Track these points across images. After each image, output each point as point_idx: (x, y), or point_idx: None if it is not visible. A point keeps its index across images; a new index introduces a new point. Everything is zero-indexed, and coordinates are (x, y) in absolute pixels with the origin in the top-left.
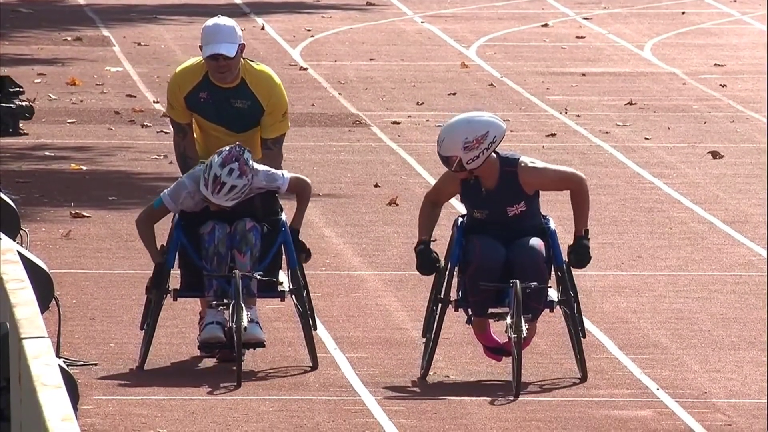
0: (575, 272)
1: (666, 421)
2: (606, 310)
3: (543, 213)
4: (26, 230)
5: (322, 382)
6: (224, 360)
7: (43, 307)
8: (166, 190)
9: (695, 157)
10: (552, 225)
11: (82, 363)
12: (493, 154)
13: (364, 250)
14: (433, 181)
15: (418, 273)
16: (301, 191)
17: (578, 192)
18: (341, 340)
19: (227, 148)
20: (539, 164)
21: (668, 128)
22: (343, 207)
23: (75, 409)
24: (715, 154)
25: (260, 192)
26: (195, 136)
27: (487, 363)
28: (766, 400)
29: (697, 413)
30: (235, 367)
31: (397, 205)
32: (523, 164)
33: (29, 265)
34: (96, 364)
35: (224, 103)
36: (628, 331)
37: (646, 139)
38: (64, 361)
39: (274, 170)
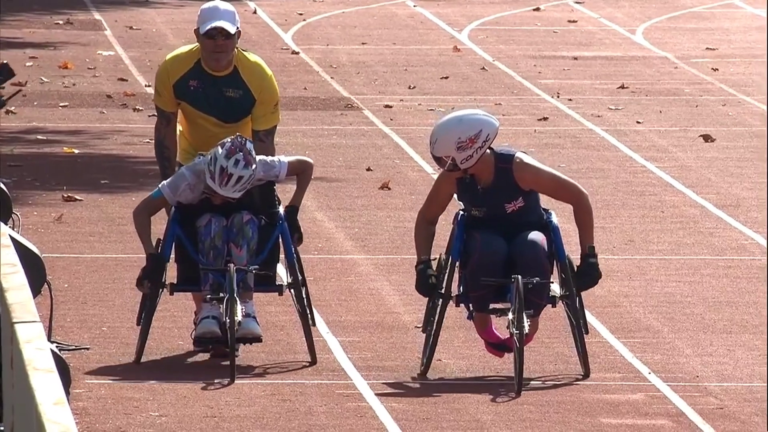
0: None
1: (657, 405)
2: (597, 294)
3: (544, 207)
4: (18, 214)
5: (314, 366)
6: (218, 355)
7: (35, 291)
8: (165, 181)
9: (687, 141)
10: (554, 219)
11: (74, 347)
12: (487, 150)
13: (356, 233)
14: (424, 165)
15: (416, 292)
16: (301, 172)
17: (579, 205)
18: (333, 323)
19: (229, 139)
20: (536, 163)
21: (660, 112)
22: (335, 191)
23: (67, 393)
24: (706, 138)
25: (259, 184)
26: (181, 128)
27: (480, 347)
28: (763, 384)
29: (689, 397)
30: (228, 362)
31: (389, 188)
32: (518, 160)
33: (21, 249)
34: (88, 348)
35: (215, 91)
36: (619, 315)
37: (638, 122)
38: (57, 346)
39: (269, 158)
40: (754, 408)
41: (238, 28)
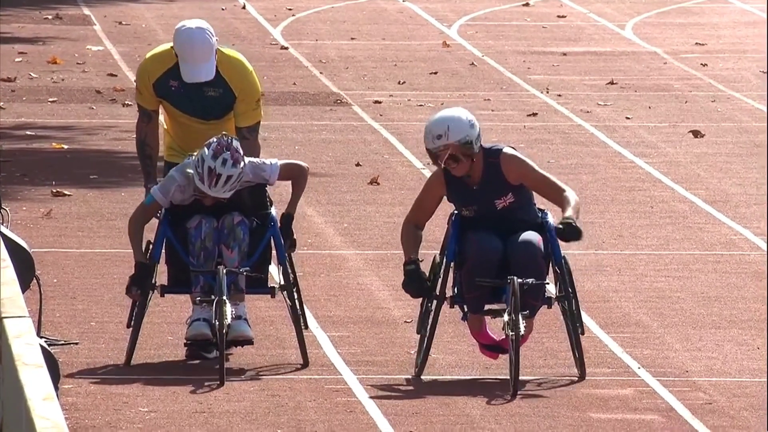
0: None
1: (647, 400)
2: (587, 289)
3: (540, 207)
4: (7, 209)
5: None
6: (193, 356)
7: (24, 286)
8: (155, 186)
9: (676, 137)
10: (550, 219)
11: (63, 342)
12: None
13: (345, 229)
14: (414, 160)
15: (405, 290)
16: (295, 177)
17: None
18: (323, 319)
19: (215, 139)
20: (524, 157)
21: (649, 107)
22: (324, 186)
23: (56, 388)
24: (696, 133)
25: (249, 185)
26: (166, 127)
27: (469, 342)
28: (752, 379)
29: (678, 392)
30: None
31: (378, 184)
32: (505, 154)
33: (10, 245)
34: (77, 343)
35: (195, 91)
36: (609, 310)
37: (627, 118)
38: (46, 341)
39: (260, 161)
40: (744, 403)
41: (215, 55)
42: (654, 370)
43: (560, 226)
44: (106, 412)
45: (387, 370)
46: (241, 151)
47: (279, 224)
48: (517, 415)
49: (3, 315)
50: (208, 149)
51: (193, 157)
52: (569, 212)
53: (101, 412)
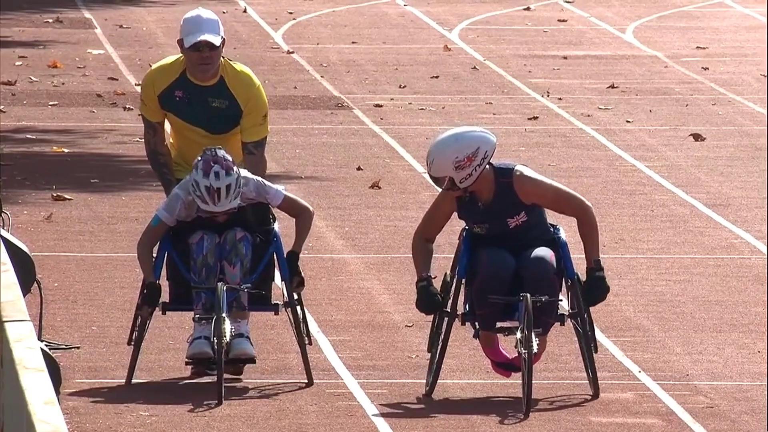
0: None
1: (648, 404)
2: None
3: (552, 223)
4: (8, 213)
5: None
6: (200, 375)
7: (25, 290)
8: (160, 206)
9: (677, 140)
10: (562, 235)
11: (64, 346)
12: (486, 166)
13: (346, 233)
14: (415, 164)
15: (417, 309)
16: (299, 215)
17: (585, 222)
18: (324, 323)
19: (199, 158)
20: (536, 175)
21: (650, 111)
22: (325, 190)
23: (57, 392)
24: (696, 137)
25: (251, 202)
26: (171, 140)
27: (470, 345)
28: (752, 383)
29: (679, 396)
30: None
31: (379, 188)
32: (518, 173)
33: (11, 248)
34: (78, 348)
35: (201, 102)
36: (609, 314)
37: (627, 122)
38: (47, 345)
39: (268, 183)
40: (744, 407)
41: (222, 37)
42: (655, 373)
43: (588, 295)
44: (106, 416)
45: (388, 374)
46: (230, 158)
47: (286, 262)
48: (518, 418)
49: (4, 319)
50: (196, 171)
51: (187, 182)
52: (592, 258)
53: (102, 416)
